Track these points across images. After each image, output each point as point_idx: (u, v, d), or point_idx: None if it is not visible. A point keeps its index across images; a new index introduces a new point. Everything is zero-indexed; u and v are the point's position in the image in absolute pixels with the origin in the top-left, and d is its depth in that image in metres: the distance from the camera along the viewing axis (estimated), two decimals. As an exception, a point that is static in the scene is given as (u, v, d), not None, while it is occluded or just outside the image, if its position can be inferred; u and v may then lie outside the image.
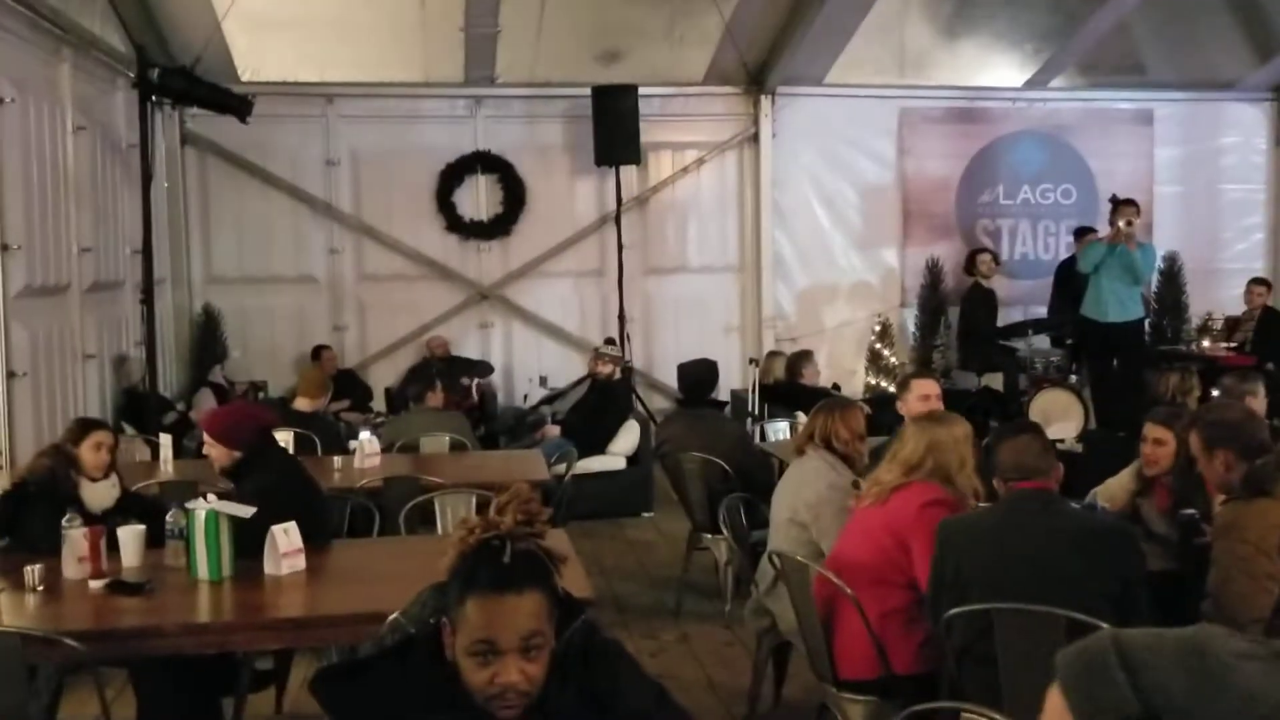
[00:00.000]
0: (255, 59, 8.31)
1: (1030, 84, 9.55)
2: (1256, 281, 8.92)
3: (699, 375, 6.00)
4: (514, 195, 9.08)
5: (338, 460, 5.20)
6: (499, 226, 9.10)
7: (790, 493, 4.17)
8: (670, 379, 8.46)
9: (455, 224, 9.03)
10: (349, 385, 8.41)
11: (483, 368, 8.77)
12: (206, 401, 7.47)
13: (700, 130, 9.36)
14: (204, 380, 8.18)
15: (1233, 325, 9.00)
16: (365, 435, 5.35)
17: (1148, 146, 9.94)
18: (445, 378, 6.93)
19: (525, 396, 8.87)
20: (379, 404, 8.59)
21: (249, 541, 3.25)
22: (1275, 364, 8.50)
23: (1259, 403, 5.96)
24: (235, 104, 7.49)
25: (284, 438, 5.31)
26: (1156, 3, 8.31)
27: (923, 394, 4.79)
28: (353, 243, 9.00)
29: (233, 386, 8.16)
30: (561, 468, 5.82)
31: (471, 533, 1.74)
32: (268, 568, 3.21)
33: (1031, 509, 3.02)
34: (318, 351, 8.55)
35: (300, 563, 3.25)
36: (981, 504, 3.57)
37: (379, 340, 9.06)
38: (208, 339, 8.47)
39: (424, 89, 8.86)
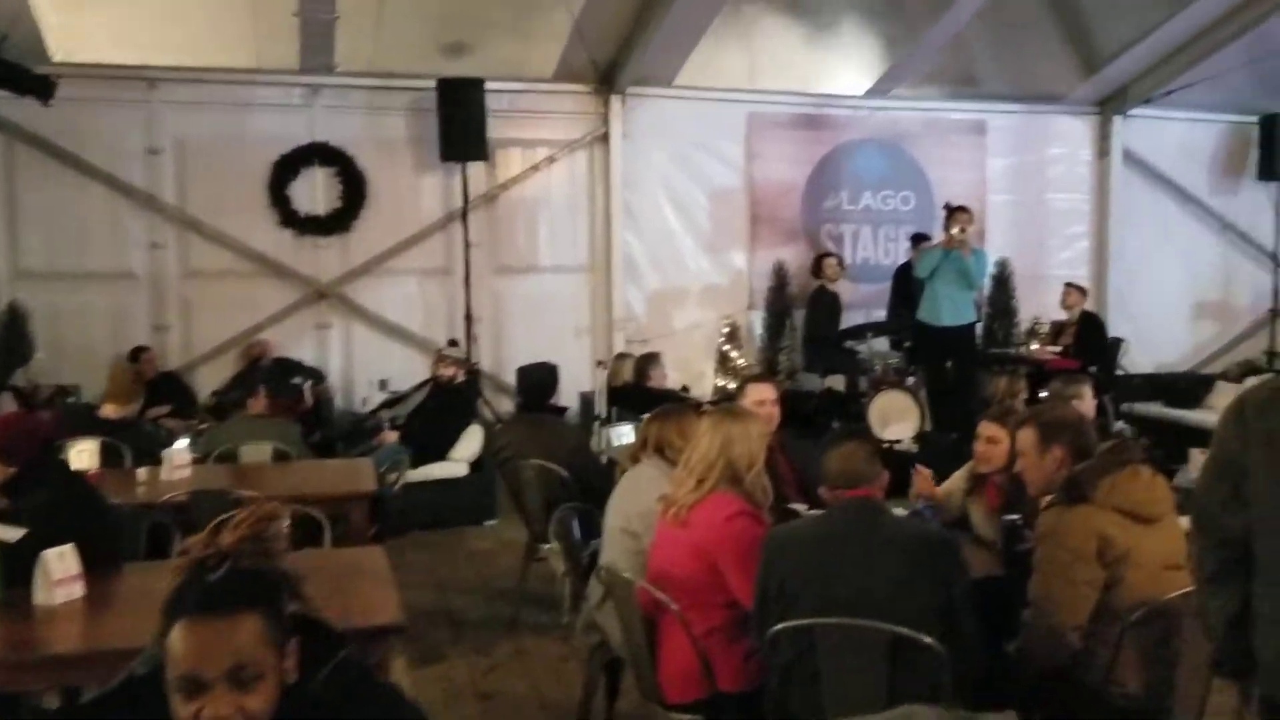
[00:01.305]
0: (68, 38, 7.72)
1: (872, 92, 9.72)
2: (1071, 286, 9.29)
3: (538, 379, 5.83)
4: (354, 189, 8.71)
5: (143, 473, 4.81)
6: (338, 222, 8.72)
7: (624, 501, 4.04)
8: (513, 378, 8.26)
9: (290, 218, 8.60)
10: (170, 389, 7.89)
11: (314, 375, 8.36)
12: (6, 408, 6.88)
13: (550, 128, 9.19)
14: (4, 384, 7.55)
15: (1058, 329, 9.34)
16: (178, 445, 4.97)
17: (981, 156, 10.24)
18: (272, 381, 6.55)
19: (364, 400, 8.52)
20: (206, 409, 8.10)
21: (20, 568, 2.92)
22: (1098, 366, 8.87)
23: (1086, 405, 6.16)
24: (34, 85, 6.90)
25: (89, 447, 4.93)
26: (990, 18, 8.54)
27: (758, 399, 4.73)
28: (177, 237, 8.47)
29: (37, 390, 7.55)
30: (394, 476, 5.56)
31: (188, 553, 1.54)
32: (37, 597, 2.89)
33: (858, 519, 2.96)
34: (136, 353, 8.00)
35: (77, 590, 2.94)
36: (806, 511, 3.51)
37: (205, 341, 8.54)
38: (12, 339, 7.81)
39: (257, 75, 8.40)
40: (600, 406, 7.64)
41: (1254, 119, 10.24)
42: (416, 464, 6.77)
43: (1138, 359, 10.01)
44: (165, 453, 4.93)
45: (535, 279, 9.29)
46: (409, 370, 8.70)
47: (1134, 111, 10.21)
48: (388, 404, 8.25)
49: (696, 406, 7.22)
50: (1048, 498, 3.25)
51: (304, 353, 8.67)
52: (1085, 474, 3.05)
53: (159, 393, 7.64)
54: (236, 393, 6.29)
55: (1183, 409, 8.98)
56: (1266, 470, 2.08)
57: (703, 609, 3.18)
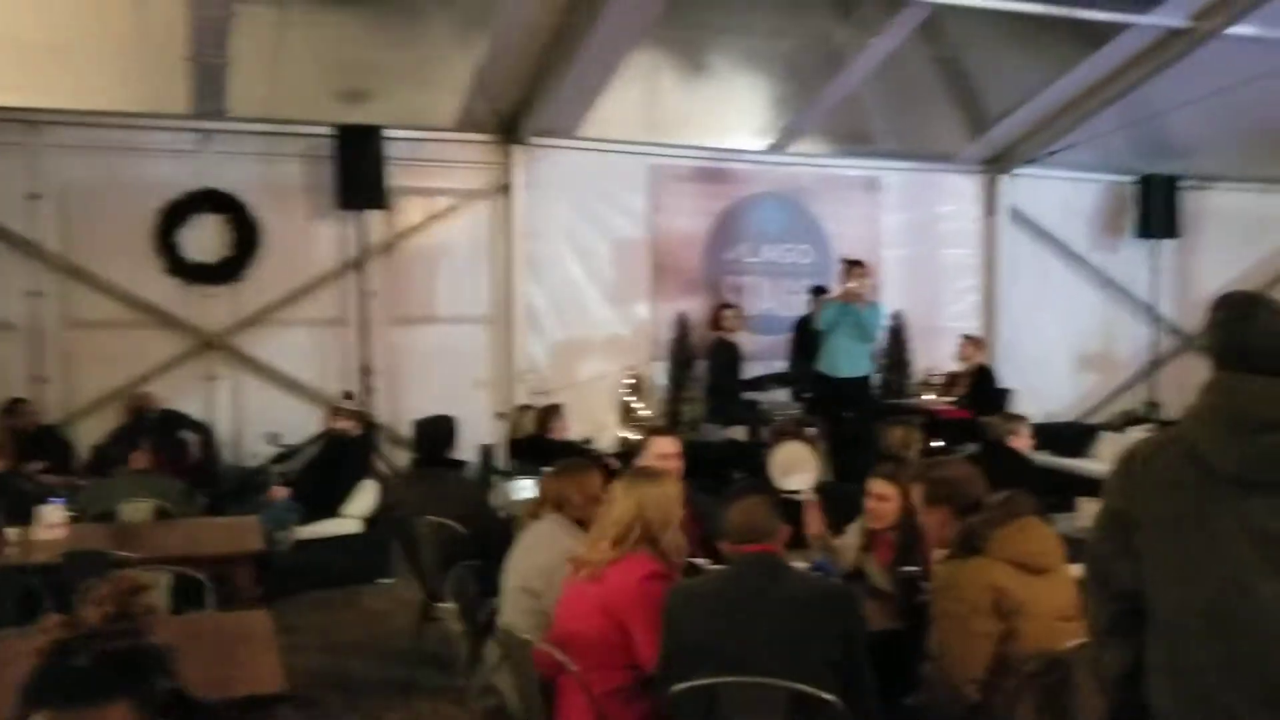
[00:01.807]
0: (-57, 79, 7.41)
1: (772, 148, 9.90)
2: (967, 338, 9.55)
3: (436, 432, 5.71)
4: (246, 237, 8.49)
5: (14, 532, 4.55)
6: (228, 270, 8.47)
7: (523, 559, 3.98)
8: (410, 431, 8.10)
9: (178, 266, 8.32)
10: (48, 444, 7.51)
11: (200, 429, 8.06)
12: None
13: (451, 177, 9.12)
14: None
15: (951, 380, 9.56)
16: (51, 502, 4.71)
17: (876, 212, 10.49)
18: (156, 435, 6.29)
19: (253, 455, 8.22)
20: (86, 465, 7.72)
21: None
22: (990, 417, 9.09)
23: (1023, 441, 6.31)
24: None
25: (-49, 506, 4.64)
26: (883, 79, 8.80)
27: (660, 453, 4.73)
28: (58, 285, 8.11)
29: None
30: (283, 534, 5.36)
31: (48, 634, 1.43)
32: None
33: (759, 574, 2.95)
34: (12, 405, 7.62)
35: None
36: (709, 565, 3.49)
37: (87, 393, 8.16)
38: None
39: (145, 119, 8.15)
40: (500, 459, 7.53)
41: (1132, 179, 10.73)
42: (308, 520, 6.57)
43: (1025, 409, 10.20)
44: (37, 510, 4.66)
45: (435, 330, 9.15)
46: (301, 423, 8.45)
47: (1019, 171, 10.59)
48: (278, 458, 7.99)
49: (598, 459, 7.21)
50: (943, 551, 3.29)
51: (191, 405, 8.36)
52: (978, 526, 3.09)
53: (36, 447, 7.27)
54: (118, 447, 6.01)
55: (1069, 458, 9.25)
56: (1156, 522, 2.12)
57: (604, 669, 3.12)
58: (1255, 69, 7.91)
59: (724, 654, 2.79)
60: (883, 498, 4.06)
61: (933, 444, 7.71)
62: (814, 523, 4.17)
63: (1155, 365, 10.82)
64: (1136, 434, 9.50)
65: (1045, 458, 9.15)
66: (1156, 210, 10.50)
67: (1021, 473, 5.98)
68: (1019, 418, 6.38)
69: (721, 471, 8.43)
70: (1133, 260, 10.97)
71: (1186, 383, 10.89)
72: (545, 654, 3.20)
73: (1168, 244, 10.85)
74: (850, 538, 4.37)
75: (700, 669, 2.79)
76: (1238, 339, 2.09)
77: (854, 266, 8.19)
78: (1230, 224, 11.26)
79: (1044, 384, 10.67)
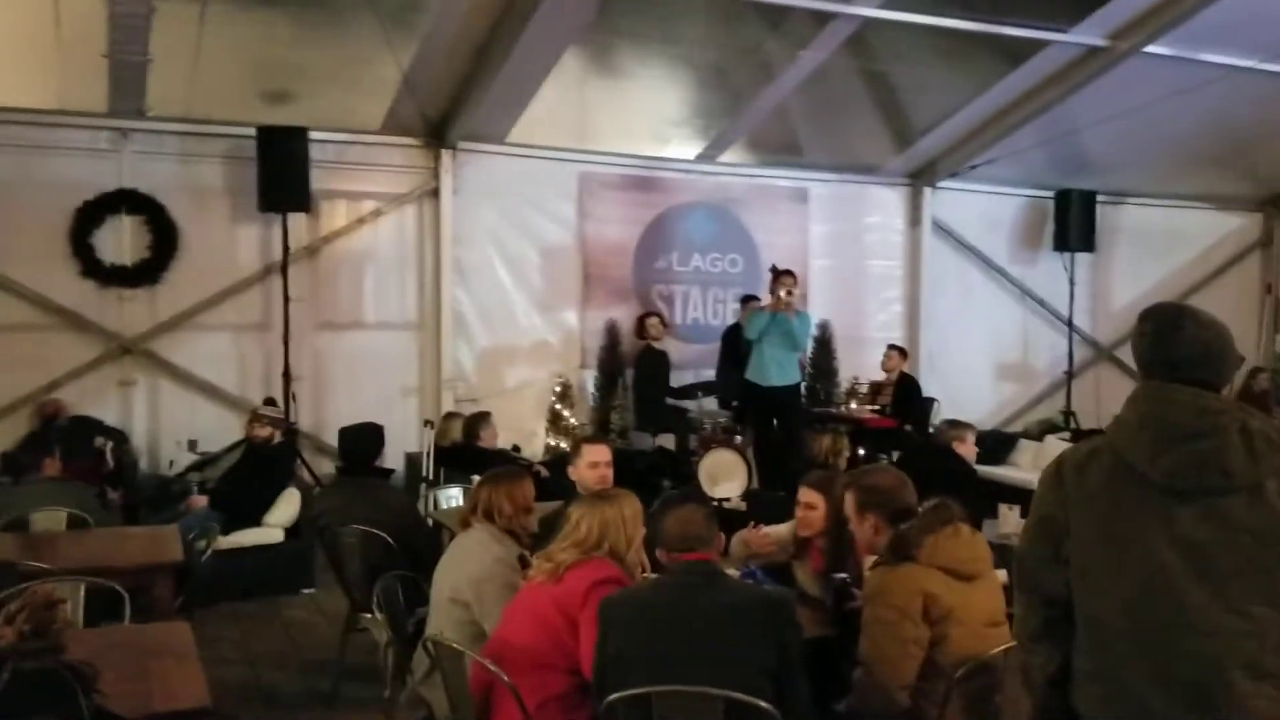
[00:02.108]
0: None
1: (701, 157, 9.96)
2: (893, 348, 9.70)
3: (362, 439, 5.62)
4: (165, 239, 8.27)
5: (-82, 544, 4.36)
6: (146, 273, 8.25)
7: (452, 569, 3.94)
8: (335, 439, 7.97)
9: (93, 269, 8.07)
10: (-47, 450, 7.23)
11: (115, 435, 7.83)
12: None
13: (377, 181, 9.00)
14: None
15: (876, 390, 9.70)
16: (-44, 512, 4.53)
17: (804, 222, 10.61)
18: (68, 442, 6.08)
19: (171, 463, 8.02)
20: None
21: None
22: (913, 425, 9.25)
23: (967, 449, 6.42)
24: None
25: None
26: (812, 91, 8.89)
27: (592, 460, 4.72)
28: (-36, 287, 7.85)
29: None
30: (202, 544, 5.22)
31: None
32: None
33: (695, 583, 2.95)
34: (-85, 411, 7.32)
35: None
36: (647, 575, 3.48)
37: (-3, 398, 7.91)
38: None
39: (61, 117, 7.91)
40: (428, 468, 7.45)
41: (1049, 194, 11.01)
42: (228, 530, 6.41)
43: (946, 417, 10.46)
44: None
45: (360, 336, 9.03)
46: (221, 430, 8.27)
47: (942, 184, 10.80)
48: (197, 466, 7.79)
49: (528, 467, 7.15)
50: (873, 558, 3.32)
51: (105, 412, 8.12)
52: (909, 534, 3.13)
53: (-62, 455, 6.99)
54: (29, 454, 5.80)
55: (989, 465, 9.44)
56: (1084, 529, 2.17)
57: (545, 673, 3.11)
58: (1168, 88, 8.19)
59: (660, 662, 2.78)
60: (811, 506, 4.09)
61: (859, 451, 7.84)
62: (758, 541, 4.18)
63: (1071, 375, 11.07)
64: (1054, 442, 9.77)
65: (967, 465, 9.35)
66: (1073, 224, 10.78)
67: (964, 480, 6.10)
68: (966, 425, 6.52)
69: (650, 480, 8.46)
70: (1050, 273, 11.24)
71: (1101, 393, 11.34)
72: (480, 667, 3.16)
73: (1084, 257, 11.14)
74: (784, 527, 4.40)
75: (636, 678, 2.78)
76: (1166, 350, 2.14)
77: (784, 276, 8.26)
78: (1143, 238, 11.64)
79: (965, 393, 10.87)
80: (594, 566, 3.23)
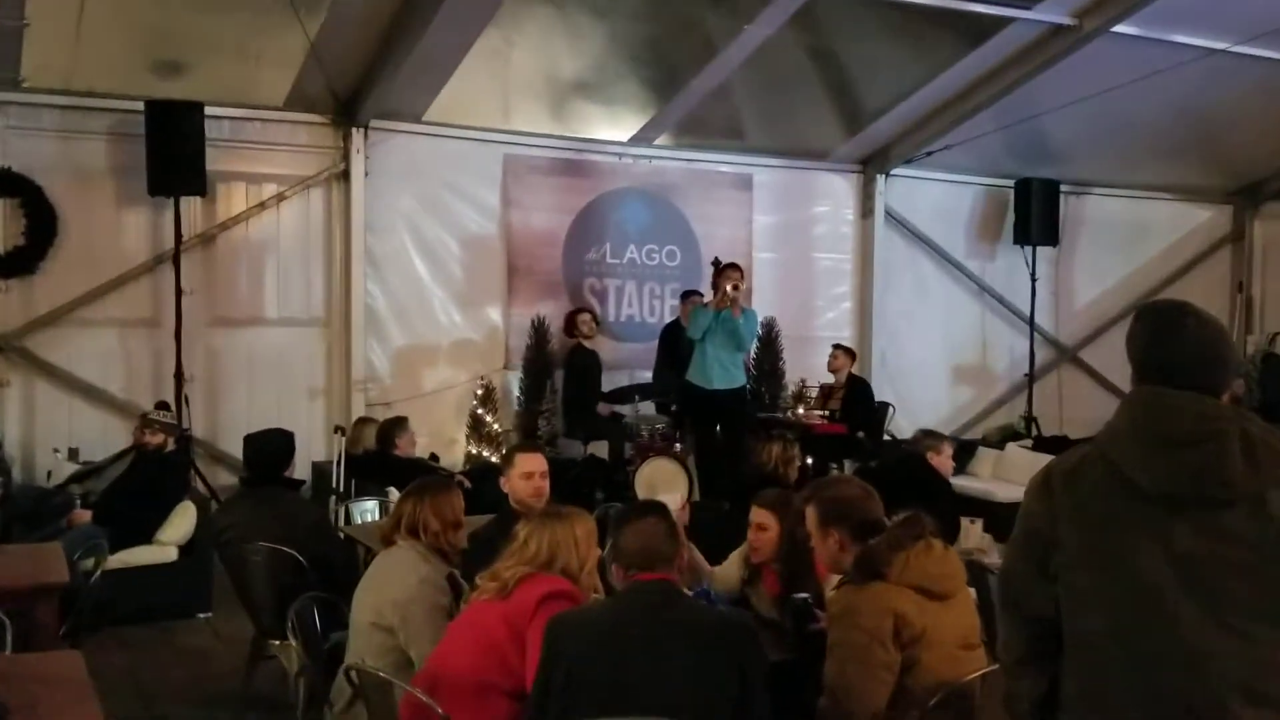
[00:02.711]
0: None
1: (637, 140, 9.98)
2: (839, 348, 9.76)
3: (270, 448, 5.53)
4: (42, 225, 8.04)
5: None
6: (21, 262, 8.02)
7: (374, 591, 3.90)
8: (240, 450, 7.83)
9: (-40, 258, 7.86)
10: None
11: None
12: None
13: (281, 162, 8.88)
14: None
15: (826, 393, 9.80)
16: None
17: (747, 212, 10.69)
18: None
19: (49, 474, 7.80)
20: None
21: None
22: (865, 432, 9.37)
23: (943, 461, 6.51)
24: None
25: None
26: (755, 71, 8.94)
27: (525, 471, 4.71)
28: None
29: None
30: (89, 563, 5.10)
31: None
32: None
33: (653, 603, 2.96)
34: None
35: None
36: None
37: None
38: None
39: (-78, 89, 7.68)
40: (338, 479, 7.37)
41: (1010, 183, 11.23)
42: (116, 548, 6.24)
43: (900, 423, 10.64)
44: None
45: (261, 333, 8.91)
46: (105, 438, 8.08)
47: (896, 171, 10.98)
48: (79, 477, 7.57)
49: (450, 477, 7.10)
50: (837, 577, 3.35)
51: (-28, 417, 7.90)
52: (878, 550, 3.16)
53: None
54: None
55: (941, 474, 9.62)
56: (1074, 543, 2.20)
57: (487, 699, 3.10)
58: (1137, 71, 8.37)
59: (613, 687, 2.78)
60: (763, 527, 4.13)
61: (809, 460, 7.92)
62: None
63: (1032, 378, 11.30)
64: (1016, 450, 9.98)
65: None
66: (1035, 216, 10.98)
67: (938, 494, 6.20)
68: (942, 436, 6.66)
69: (581, 491, 8.46)
70: (1010, 267, 11.48)
71: (1064, 395, 11.59)
72: (411, 698, 3.12)
73: (1045, 251, 11.37)
74: (730, 566, 4.42)
75: (587, 704, 2.77)
76: (1164, 352, 2.18)
77: (729, 270, 8.33)
78: (1107, 231, 11.93)
79: (919, 396, 11.09)
80: (546, 580, 3.23)
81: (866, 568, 3.14)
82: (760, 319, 9.64)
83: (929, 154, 10.46)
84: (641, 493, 7.99)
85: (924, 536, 3.15)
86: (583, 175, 10.03)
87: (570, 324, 9.54)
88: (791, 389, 10.39)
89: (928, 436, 6.74)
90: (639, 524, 3.04)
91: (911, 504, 3.36)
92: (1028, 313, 11.29)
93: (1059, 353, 11.88)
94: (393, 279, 9.28)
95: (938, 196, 11.33)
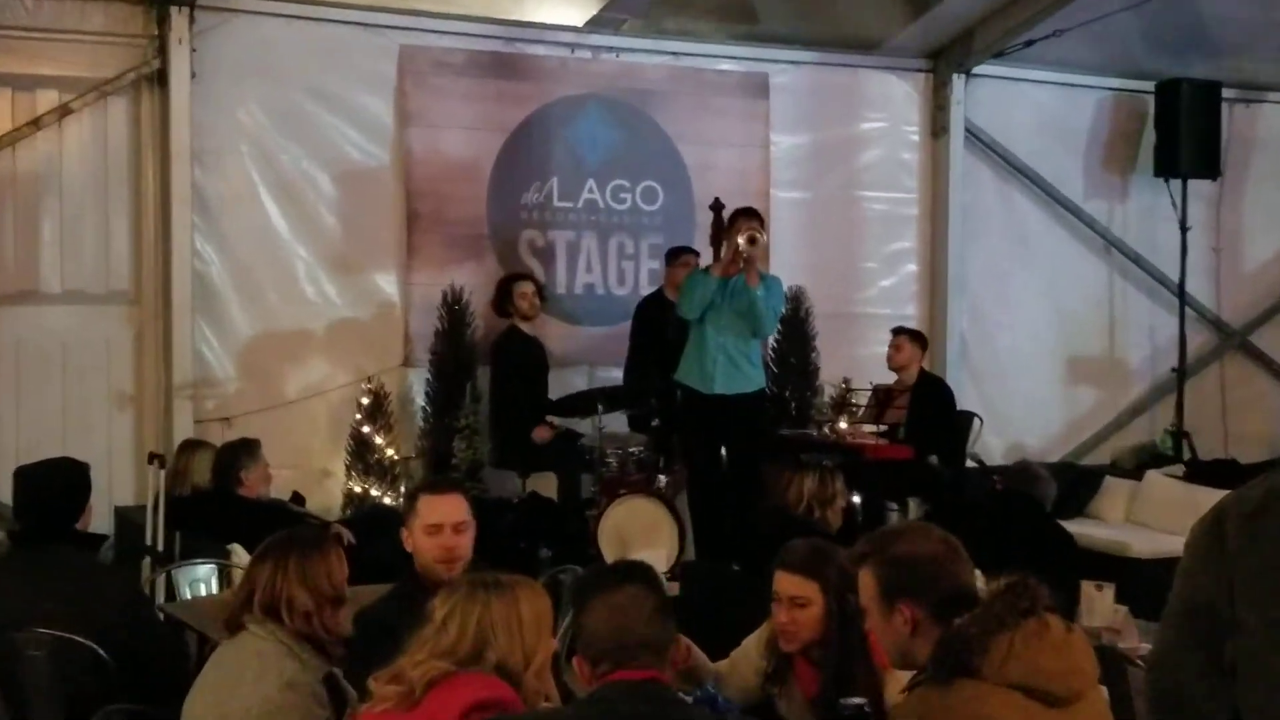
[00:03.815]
0: None
1: (596, 24, 10.01)
2: (902, 333, 9.72)
3: (49, 487, 5.46)
4: None
5: None
6: None
7: (216, 699, 3.94)
8: (3, 488, 7.80)
9: None
10: None
11: None
12: None
13: (64, 59, 8.90)
14: None
15: (882, 399, 9.76)
16: None
17: (762, 131, 10.70)
18: None
19: None
20: None
21: None
22: (939, 456, 9.37)
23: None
24: None
25: None
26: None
27: (431, 522, 4.65)
28: None
29: None
30: None
31: None
32: None
33: (638, 713, 2.95)
34: None
35: None
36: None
37: None
38: None
39: None
40: (156, 532, 7.33)
41: (1148, 87, 11.28)
42: None
43: (989, 442, 10.68)
44: None
45: (36, 314, 8.96)
46: None
47: (981, 70, 11.02)
48: None
49: (324, 529, 7.09)
50: (908, 673, 3.35)
51: None
52: (968, 634, 3.16)
53: None
54: None
55: (1057, 519, 9.64)
56: (1262, 617, 2.20)
57: None
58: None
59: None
60: (797, 600, 4.12)
61: (855, 499, 7.94)
62: (680, 654, 4.21)
63: (1183, 374, 11.37)
64: (1161, 481, 10.02)
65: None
66: (1186, 135, 11.00)
67: (1053, 548, 6.23)
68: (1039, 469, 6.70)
69: (516, 545, 8.44)
70: (1150, 212, 11.58)
71: (1230, 400, 11.63)
72: None
73: (1201, 187, 11.41)
74: (746, 659, 4.43)
75: None
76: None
77: (740, 217, 8.29)
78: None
79: (1017, 403, 11.18)
80: (469, 682, 3.21)
81: (952, 660, 3.14)
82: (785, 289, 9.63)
83: (1029, 44, 10.47)
84: (609, 550, 7.99)
85: (1036, 612, 3.15)
86: (517, 77, 10.02)
87: (502, 298, 9.48)
88: (830, 393, 10.42)
89: (1027, 467, 6.80)
90: (611, 596, 3.03)
91: (1015, 563, 3.36)
92: (1176, 278, 11.35)
93: (1222, 337, 11.97)
94: (234, 234, 9.27)
95: (1043, 108, 11.40)
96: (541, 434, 9.23)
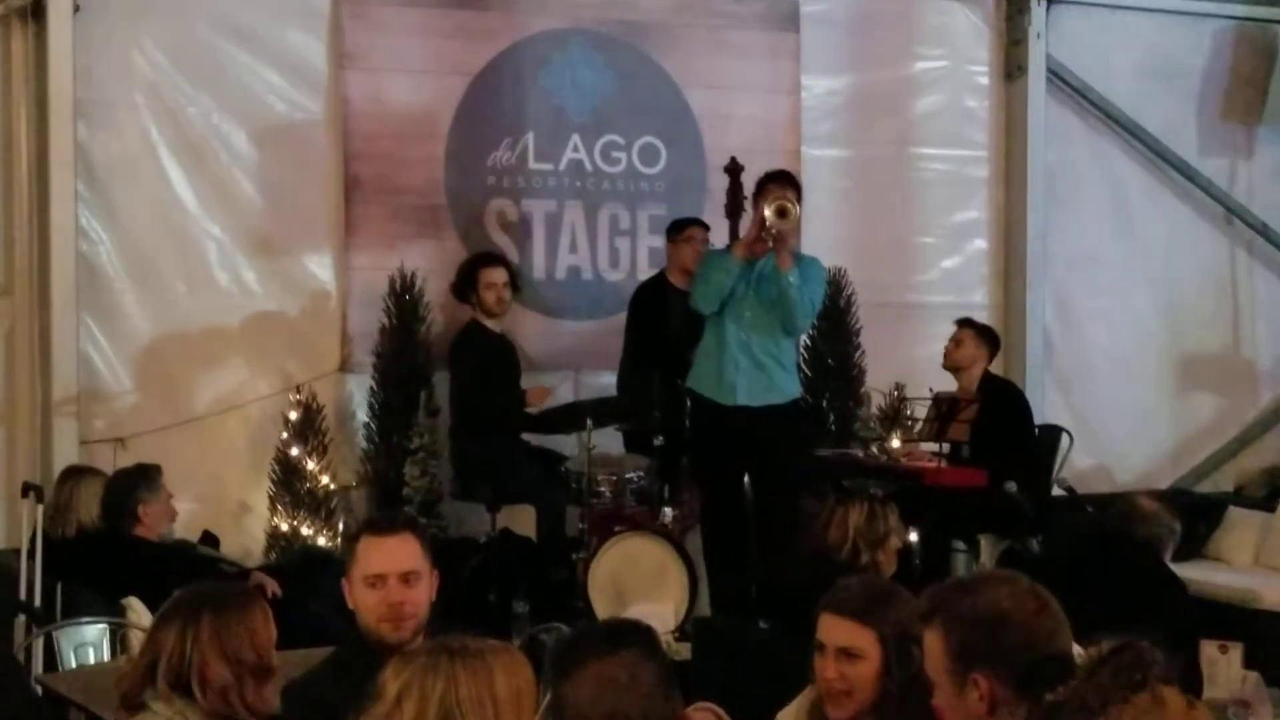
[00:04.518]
0: None
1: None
2: (969, 327, 9.66)
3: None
4: None
5: None
6: None
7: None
8: None
9: None
10: None
11: None
12: None
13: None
14: None
15: (944, 410, 9.74)
16: None
17: (790, 72, 10.74)
18: None
19: None
20: None
21: None
22: (1018, 482, 9.36)
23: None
24: None
25: None
26: None
27: (372, 572, 4.63)
28: None
29: None
30: None
31: None
32: None
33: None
34: None
35: None
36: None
37: None
38: None
39: None
40: (31, 582, 7.35)
41: (1277, 18, 11.36)
42: None
43: (1079, 464, 10.67)
44: None
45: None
46: None
47: (1065, -5, 11.05)
48: None
49: (244, 578, 7.09)
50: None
51: None
52: (1063, 713, 3.18)
53: None
54: None
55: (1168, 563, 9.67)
56: None
57: None
58: None
59: None
60: (851, 653, 4.13)
61: (913, 538, 7.95)
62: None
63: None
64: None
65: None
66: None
67: (1164, 601, 6.23)
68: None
69: (484, 595, 8.47)
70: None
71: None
72: None
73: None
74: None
75: None
76: None
77: (770, 184, 8.29)
78: None
79: (1115, 417, 11.22)
80: None
81: (1044, 742, 3.16)
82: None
83: (1129, -38, 10.53)
84: (602, 603, 8.01)
85: (1148, 684, 3.17)
86: (482, 5, 10.06)
87: (466, 284, 9.48)
88: (879, 404, 10.45)
89: (1136, 501, 6.82)
90: (602, 665, 3.06)
91: (1119, 622, 3.37)
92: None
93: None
94: (128, 207, 9.31)
95: (1146, 42, 11.46)
96: (538, 395, 9.30)
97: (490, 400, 9.33)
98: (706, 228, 9.41)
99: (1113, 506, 7.28)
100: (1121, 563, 6.49)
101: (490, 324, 9.45)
